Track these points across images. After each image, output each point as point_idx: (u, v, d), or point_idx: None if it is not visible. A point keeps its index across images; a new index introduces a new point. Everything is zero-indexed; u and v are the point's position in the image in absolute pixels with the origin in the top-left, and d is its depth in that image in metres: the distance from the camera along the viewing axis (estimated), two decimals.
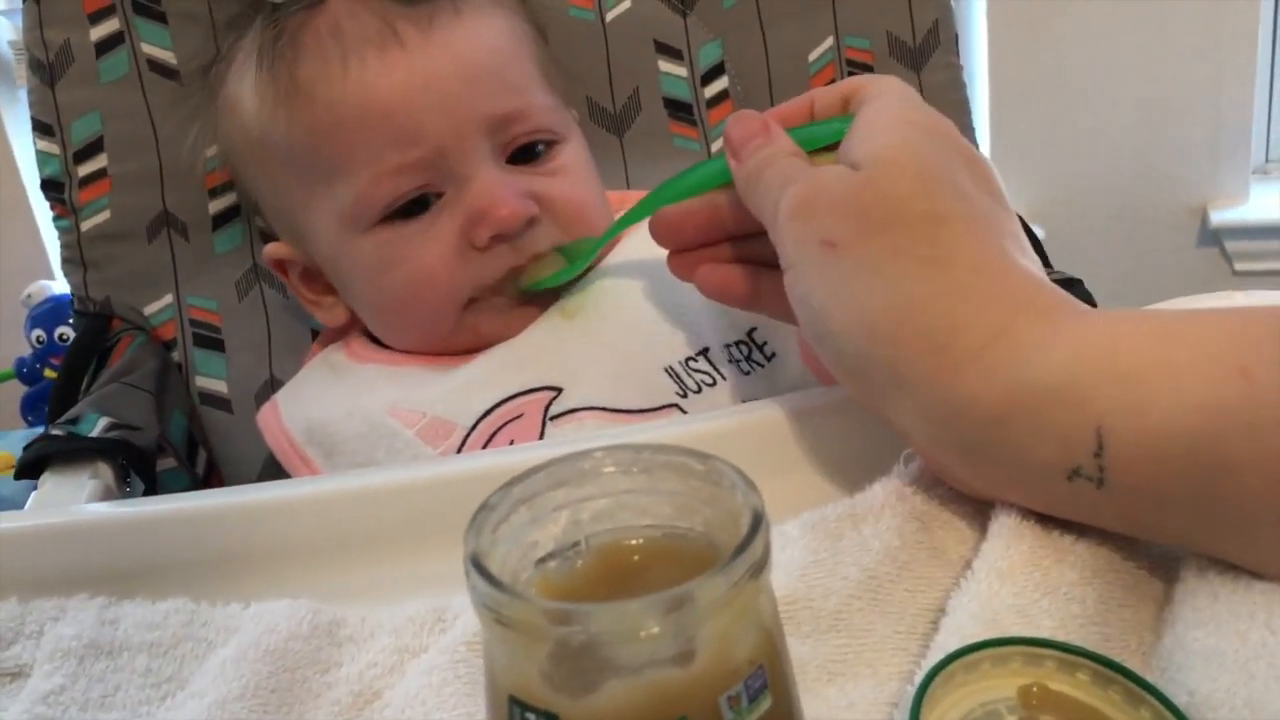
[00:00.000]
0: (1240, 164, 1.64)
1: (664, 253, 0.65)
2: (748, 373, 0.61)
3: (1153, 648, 0.38)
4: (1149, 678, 0.36)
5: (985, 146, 0.75)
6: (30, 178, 1.34)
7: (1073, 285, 0.65)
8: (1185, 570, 0.40)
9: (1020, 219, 0.77)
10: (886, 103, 0.46)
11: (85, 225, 0.74)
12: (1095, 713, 0.35)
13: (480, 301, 0.64)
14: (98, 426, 0.64)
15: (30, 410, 1.38)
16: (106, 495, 0.60)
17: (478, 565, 0.29)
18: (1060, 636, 0.38)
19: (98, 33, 0.73)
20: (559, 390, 0.61)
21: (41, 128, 0.74)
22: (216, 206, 0.76)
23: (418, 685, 0.40)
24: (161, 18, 0.73)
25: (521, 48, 0.67)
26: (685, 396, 0.60)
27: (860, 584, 0.41)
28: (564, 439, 0.58)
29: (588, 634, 0.27)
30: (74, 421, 0.64)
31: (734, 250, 0.52)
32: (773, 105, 0.77)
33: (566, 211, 0.64)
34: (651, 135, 0.77)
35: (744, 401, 0.60)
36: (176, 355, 0.74)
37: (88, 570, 0.47)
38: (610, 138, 0.78)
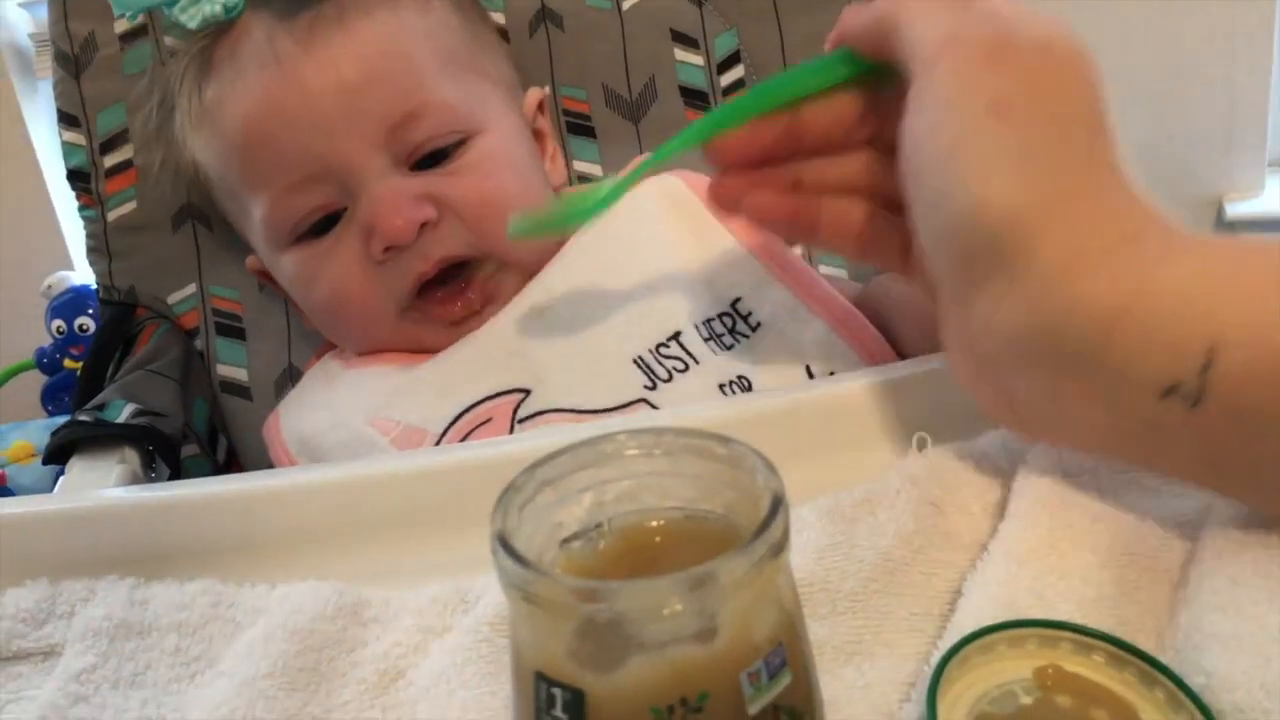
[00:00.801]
0: (1256, 156, 1.63)
1: (631, 235, 0.65)
2: (730, 346, 0.61)
3: (1168, 629, 0.39)
4: (1164, 659, 0.36)
5: None
6: (50, 170, 1.35)
7: None
8: (1202, 552, 0.40)
9: None
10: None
11: (111, 215, 0.74)
12: (1110, 694, 0.35)
13: (414, 314, 0.64)
14: (124, 413, 0.65)
15: (50, 400, 1.39)
16: (132, 480, 0.61)
17: (505, 544, 0.29)
18: (1076, 619, 0.38)
19: (121, 24, 0.74)
20: (527, 392, 0.61)
21: (67, 119, 0.74)
22: None
23: (441, 664, 0.41)
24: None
25: (418, 44, 0.65)
26: (654, 388, 0.60)
27: (876, 567, 0.42)
28: (546, 430, 0.58)
29: (613, 611, 0.28)
30: (101, 408, 0.65)
31: (789, 176, 0.48)
32: None
33: (470, 209, 0.63)
34: (667, 123, 0.78)
35: (724, 380, 0.60)
36: (199, 344, 0.75)
37: (117, 552, 0.48)
38: (627, 125, 0.78)
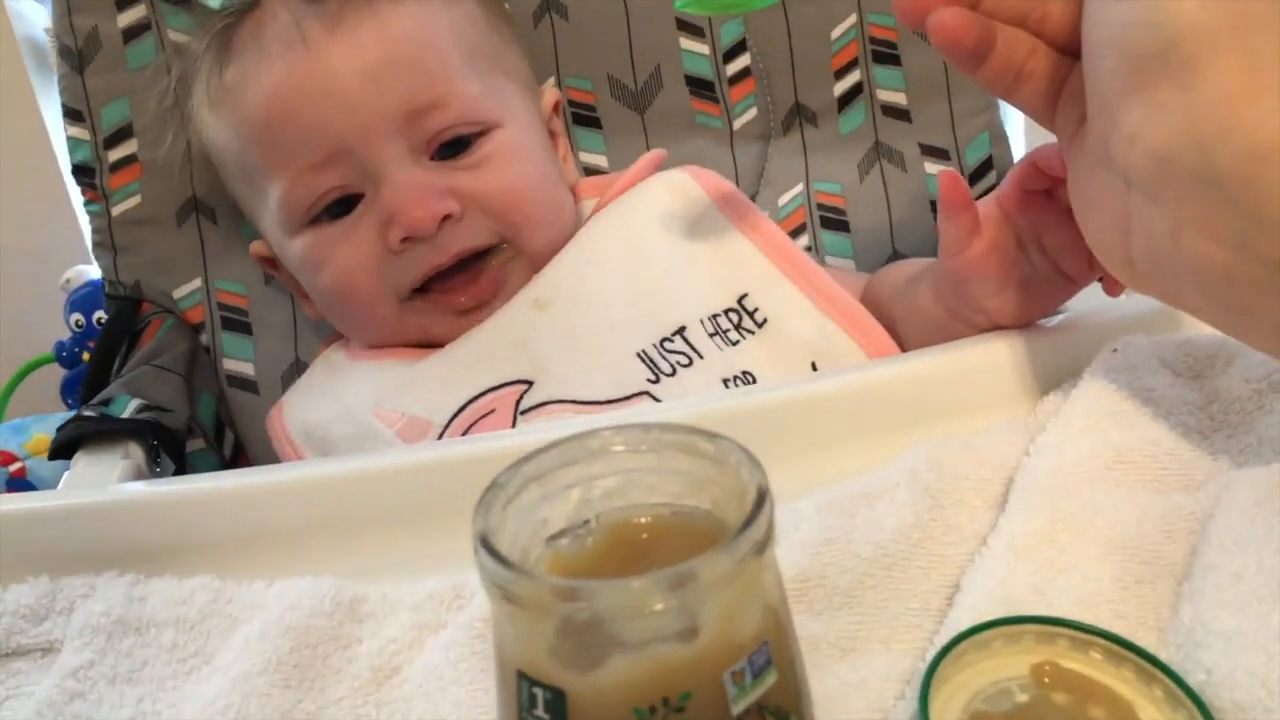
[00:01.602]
0: None
1: (637, 230, 0.65)
2: (736, 342, 0.61)
3: (1170, 624, 0.38)
4: (1164, 654, 0.36)
5: (1018, 133, 0.75)
6: (67, 163, 1.35)
7: None
8: (1207, 547, 0.40)
9: None
10: None
11: (116, 210, 0.75)
12: (1108, 691, 0.35)
13: (420, 302, 0.64)
14: (129, 408, 0.65)
15: (70, 393, 1.40)
16: (137, 475, 0.61)
17: (485, 544, 0.29)
18: (1076, 614, 0.38)
19: (125, 19, 0.74)
20: (530, 383, 0.61)
21: (72, 114, 0.75)
22: None
23: (436, 660, 0.41)
24: (187, 3, 0.74)
25: (443, 33, 0.65)
26: (658, 381, 0.59)
27: (873, 561, 0.41)
28: (545, 425, 0.58)
29: (593, 610, 0.28)
30: (106, 403, 0.65)
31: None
32: (795, 84, 0.77)
33: (494, 203, 0.63)
34: (673, 112, 0.77)
35: (729, 375, 0.60)
36: (205, 338, 0.75)
37: (117, 548, 0.48)
38: (632, 115, 0.77)
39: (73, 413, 1.31)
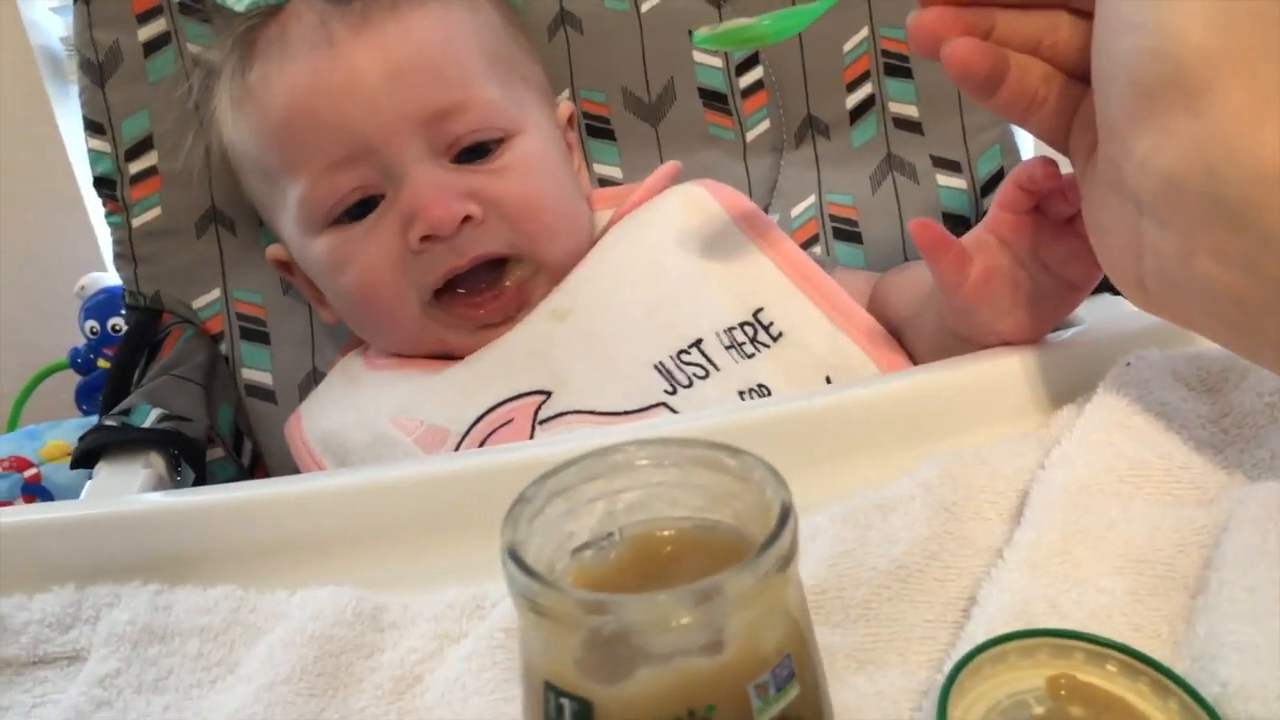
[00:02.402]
0: None
1: (654, 243, 0.66)
2: (751, 355, 0.61)
3: (1186, 637, 0.39)
4: (1179, 667, 0.36)
5: (1028, 146, 0.75)
6: (83, 172, 1.36)
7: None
8: (1221, 560, 0.40)
9: None
10: None
11: (136, 221, 0.75)
12: (1124, 704, 0.35)
13: (440, 310, 0.65)
14: (150, 417, 0.65)
15: (84, 399, 1.41)
16: (158, 485, 0.62)
17: (514, 556, 0.30)
18: (1091, 627, 0.38)
19: (145, 33, 0.75)
20: (548, 394, 0.61)
21: (93, 126, 0.75)
22: None
23: (457, 670, 0.41)
24: (207, 17, 0.75)
25: (466, 39, 0.66)
26: (675, 393, 0.60)
27: (889, 574, 0.42)
28: (564, 436, 0.58)
29: (620, 623, 0.28)
30: (127, 413, 0.66)
31: (987, 21, 0.47)
32: (808, 97, 0.78)
33: (512, 210, 0.64)
34: (686, 125, 0.78)
35: (744, 388, 0.60)
36: (224, 348, 0.76)
37: (141, 557, 0.48)
38: (646, 127, 0.78)
39: (87, 419, 1.32)
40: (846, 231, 0.77)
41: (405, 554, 0.49)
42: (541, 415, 0.60)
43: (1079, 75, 0.46)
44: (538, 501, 0.32)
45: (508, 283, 0.65)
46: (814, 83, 0.78)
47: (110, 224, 0.76)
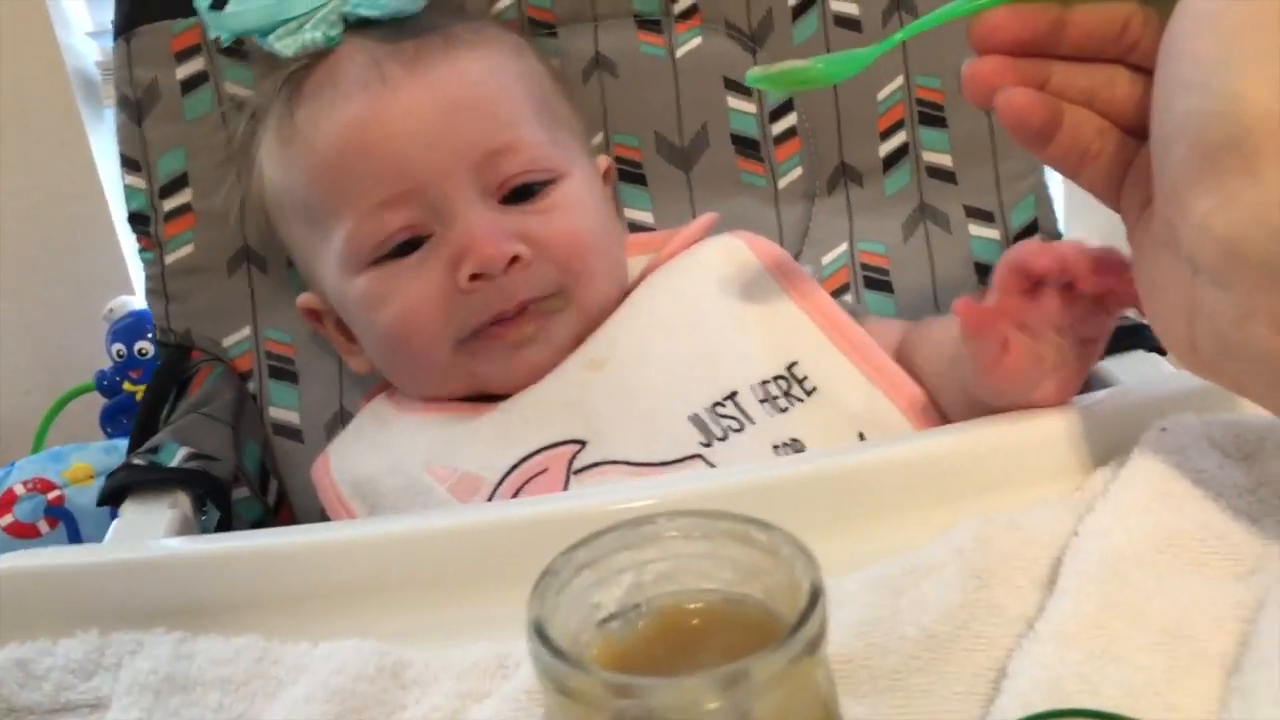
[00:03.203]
0: None
1: (691, 293, 0.66)
2: (785, 409, 0.61)
3: (1219, 716, 0.38)
4: None
5: (1059, 195, 0.75)
6: (114, 196, 1.38)
7: (1139, 331, 0.64)
8: (1259, 639, 0.39)
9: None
10: None
11: (169, 259, 0.76)
12: None
13: (471, 343, 0.64)
14: (177, 456, 0.65)
15: (110, 422, 1.42)
16: (184, 524, 0.62)
17: (540, 634, 0.29)
18: (1125, 705, 0.37)
19: (183, 71, 0.76)
20: (583, 443, 0.61)
21: (129, 163, 0.76)
22: None
23: None
24: (245, 56, 0.75)
25: (514, 83, 0.67)
26: (710, 445, 0.60)
27: (919, 643, 0.41)
28: (593, 490, 0.58)
29: (646, 707, 0.28)
30: (155, 451, 0.66)
31: (1043, 73, 0.46)
32: (841, 144, 0.78)
33: (560, 250, 0.64)
34: (719, 171, 0.78)
35: (778, 441, 0.60)
36: (252, 386, 0.76)
37: (165, 603, 0.48)
38: (677, 173, 0.78)
39: (112, 441, 1.33)
40: (877, 280, 0.77)
41: (431, 606, 0.48)
42: (576, 465, 0.60)
43: (1134, 131, 0.46)
44: (565, 574, 0.32)
45: (534, 309, 0.65)
46: (847, 130, 0.78)
47: (143, 260, 0.76)
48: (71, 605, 0.48)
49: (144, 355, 1.38)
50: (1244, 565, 0.44)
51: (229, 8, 0.65)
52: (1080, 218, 0.85)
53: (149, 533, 0.60)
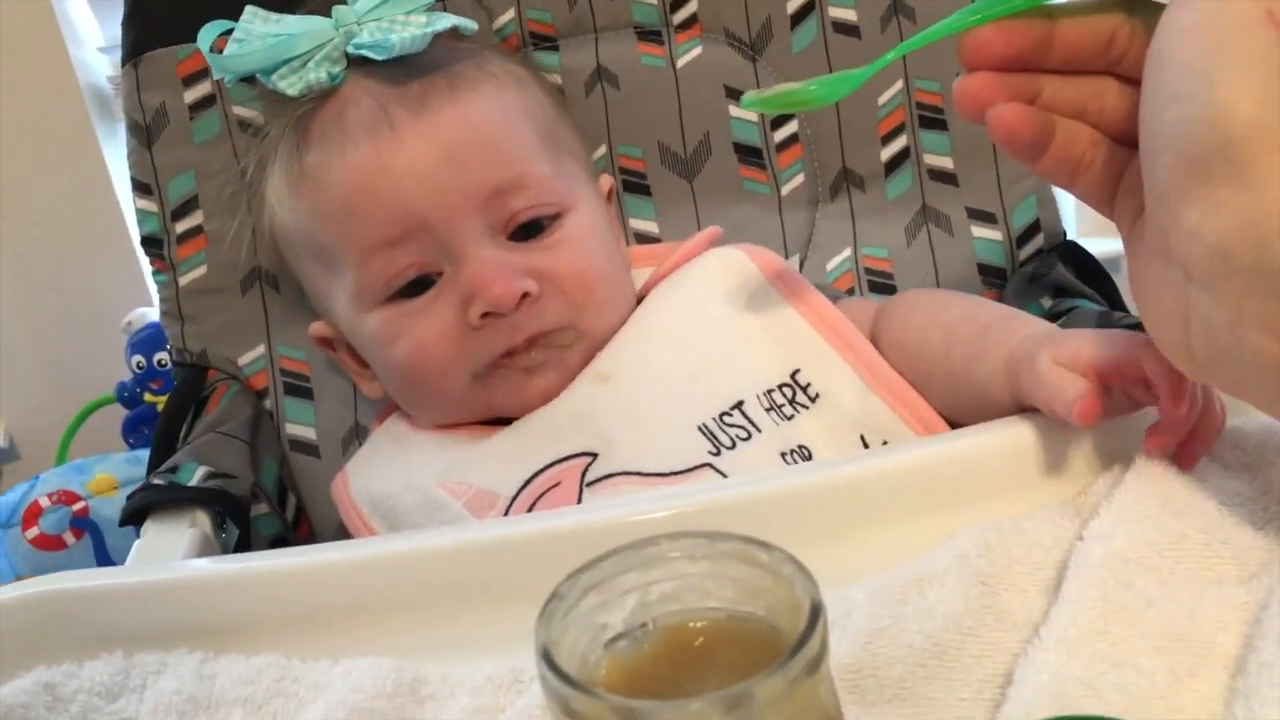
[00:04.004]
0: None
1: (694, 306, 0.66)
2: (791, 417, 0.62)
3: (1221, 718, 0.38)
4: None
5: (1066, 196, 0.76)
6: (130, 208, 1.39)
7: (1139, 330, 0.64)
8: (1262, 641, 0.40)
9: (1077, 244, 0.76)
10: None
11: (183, 280, 0.77)
12: None
13: (486, 376, 0.65)
14: (196, 475, 0.67)
15: (131, 433, 1.43)
16: (204, 543, 0.63)
17: (548, 658, 0.30)
18: (1129, 710, 0.38)
19: (191, 95, 0.77)
20: (594, 456, 0.62)
21: (140, 187, 0.77)
22: None
23: None
24: (251, 79, 0.76)
25: (518, 118, 0.67)
26: (719, 454, 0.60)
27: (924, 651, 0.42)
28: (606, 503, 0.58)
29: None
30: (174, 470, 0.67)
31: (1033, 87, 0.46)
32: (843, 150, 0.78)
33: (569, 283, 0.65)
34: (722, 179, 0.78)
35: (785, 449, 0.61)
36: (268, 403, 0.77)
37: (188, 624, 0.49)
38: (681, 182, 0.79)
39: (134, 452, 1.34)
40: (882, 284, 0.77)
41: (447, 621, 0.49)
42: (589, 477, 0.61)
43: (1125, 140, 0.46)
44: (571, 597, 0.33)
45: (543, 340, 0.65)
46: (849, 136, 0.78)
47: (158, 283, 0.77)
48: (96, 627, 0.49)
49: (163, 366, 1.40)
50: (1247, 570, 0.44)
51: (229, 50, 0.66)
52: (1087, 212, 0.85)
53: (170, 552, 0.61)
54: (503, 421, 0.67)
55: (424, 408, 0.69)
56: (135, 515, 0.64)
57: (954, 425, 0.61)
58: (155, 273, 0.78)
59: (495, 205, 0.64)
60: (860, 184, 0.78)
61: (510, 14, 0.78)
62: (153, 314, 1.47)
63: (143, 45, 0.77)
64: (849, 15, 0.77)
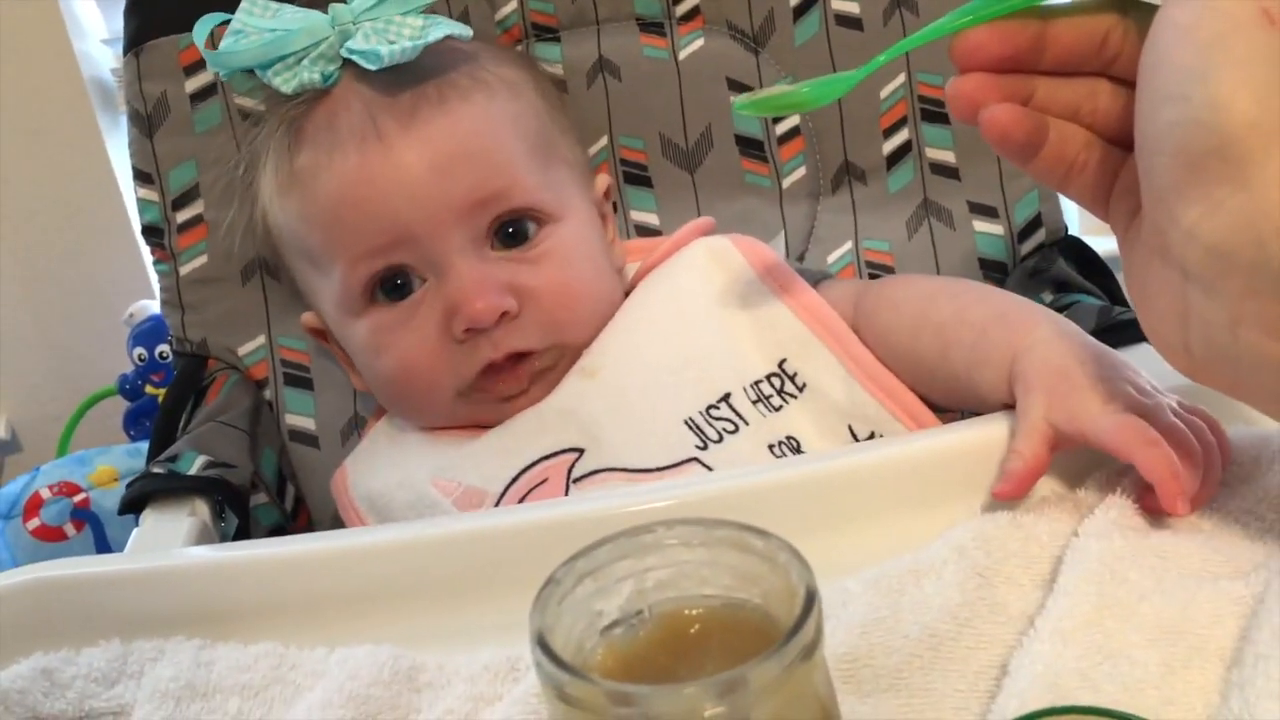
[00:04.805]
0: None
1: (681, 298, 0.66)
2: (779, 408, 0.62)
3: (1218, 711, 0.38)
4: None
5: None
6: (132, 201, 1.39)
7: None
8: (1257, 634, 0.40)
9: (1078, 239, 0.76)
10: None
11: (184, 270, 0.77)
12: None
13: (470, 395, 0.65)
14: (195, 464, 0.67)
15: (132, 425, 1.44)
16: (203, 531, 0.63)
17: (542, 643, 0.30)
18: (1123, 701, 0.38)
19: (192, 85, 0.77)
20: (581, 451, 0.62)
21: (141, 176, 0.77)
22: None
23: None
24: (252, 70, 0.76)
25: (508, 128, 0.67)
26: (706, 448, 0.60)
27: (921, 641, 0.42)
28: (601, 494, 0.58)
29: (645, 715, 0.29)
30: (173, 459, 0.67)
31: (1026, 88, 0.46)
32: (845, 143, 0.78)
33: (549, 300, 0.65)
34: (723, 172, 0.78)
35: (773, 441, 0.60)
36: (268, 394, 0.77)
37: (185, 611, 0.50)
38: (682, 174, 0.79)
39: (135, 444, 1.34)
40: None
41: (443, 610, 0.49)
42: (575, 473, 0.61)
43: (1120, 141, 0.46)
44: (567, 583, 0.33)
45: (522, 366, 0.66)
46: (851, 129, 0.78)
47: (158, 272, 0.77)
48: (94, 614, 0.49)
49: (165, 358, 1.40)
50: (1241, 570, 0.44)
51: (225, 44, 0.66)
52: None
53: (169, 541, 0.61)
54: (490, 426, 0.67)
55: (410, 416, 0.70)
56: (134, 504, 0.64)
57: (938, 411, 0.61)
58: (156, 262, 0.78)
59: (479, 214, 0.64)
60: (862, 177, 0.78)
61: (513, 5, 0.78)
62: (154, 306, 1.48)
63: (144, 34, 0.77)
64: (851, 8, 0.77)
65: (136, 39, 0.77)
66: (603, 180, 0.75)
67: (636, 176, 0.79)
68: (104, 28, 1.41)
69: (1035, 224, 0.77)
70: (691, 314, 0.66)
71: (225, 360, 0.77)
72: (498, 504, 0.62)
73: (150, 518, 0.63)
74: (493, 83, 0.68)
